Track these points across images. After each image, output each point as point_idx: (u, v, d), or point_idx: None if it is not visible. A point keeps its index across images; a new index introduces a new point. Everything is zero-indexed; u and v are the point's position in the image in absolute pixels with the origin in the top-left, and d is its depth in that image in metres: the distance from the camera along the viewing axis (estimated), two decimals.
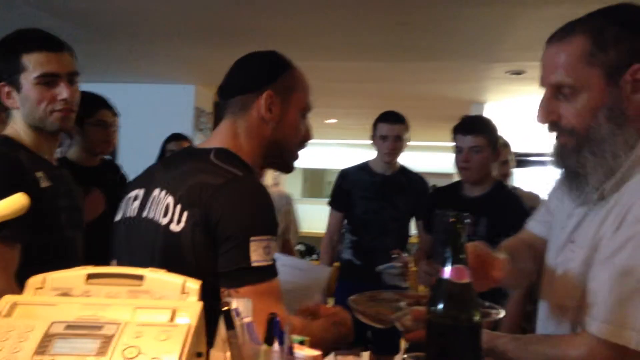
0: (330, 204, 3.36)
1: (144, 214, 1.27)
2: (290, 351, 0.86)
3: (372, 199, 3.12)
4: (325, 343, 1.27)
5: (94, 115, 2.57)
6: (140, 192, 1.32)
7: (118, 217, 1.36)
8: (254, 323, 0.97)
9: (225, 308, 0.92)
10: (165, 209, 1.23)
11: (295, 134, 1.40)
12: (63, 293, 0.98)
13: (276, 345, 0.85)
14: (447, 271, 0.95)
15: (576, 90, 1.17)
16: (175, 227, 1.20)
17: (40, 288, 0.97)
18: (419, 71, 5.13)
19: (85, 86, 2.31)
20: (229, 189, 1.20)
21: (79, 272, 1.00)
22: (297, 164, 2.55)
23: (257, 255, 1.17)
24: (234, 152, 1.32)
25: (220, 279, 1.14)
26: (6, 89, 1.64)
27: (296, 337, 0.93)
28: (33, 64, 1.60)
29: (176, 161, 1.35)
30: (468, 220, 0.96)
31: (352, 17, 3.60)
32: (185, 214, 1.20)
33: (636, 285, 1.07)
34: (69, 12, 3.68)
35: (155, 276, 1.01)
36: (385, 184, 3.15)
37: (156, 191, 1.27)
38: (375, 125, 3.23)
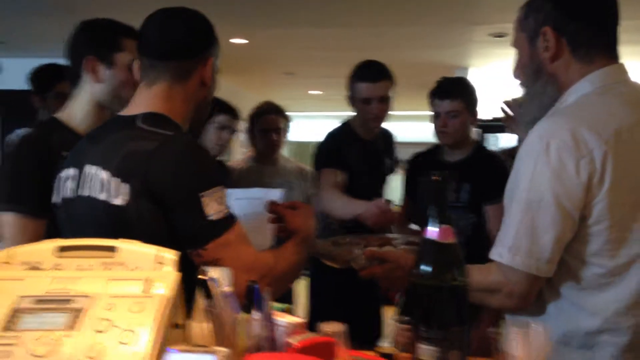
0: (326, 163, 2.50)
1: (80, 192, 1.22)
2: (269, 318, 0.82)
3: (363, 171, 2.55)
4: (300, 264, 1.31)
5: (52, 89, 2.55)
6: (72, 172, 1.26)
7: (55, 200, 1.31)
8: (232, 272, 0.94)
9: (203, 277, 0.89)
10: (101, 184, 1.18)
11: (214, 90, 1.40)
12: (32, 267, 0.93)
13: (256, 313, 0.81)
14: (432, 231, 0.92)
15: (516, 51, 1.36)
16: (117, 201, 1.15)
17: (7, 263, 0.93)
18: (402, 37, 5.06)
19: None
20: (163, 152, 1.15)
21: (49, 245, 0.95)
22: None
23: (211, 208, 1.14)
24: (163, 114, 1.26)
25: (183, 244, 1.10)
26: (94, 62, 1.65)
27: (277, 305, 0.90)
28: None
29: (103, 133, 1.28)
30: (451, 180, 0.93)
31: None
32: (125, 187, 1.15)
33: (528, 217, 1.19)
34: None
35: (128, 247, 0.97)
36: (371, 151, 2.60)
37: (87, 167, 1.21)
38: (352, 84, 2.48)
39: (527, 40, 1.31)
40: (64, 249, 0.95)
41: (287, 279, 1.30)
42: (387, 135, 2.73)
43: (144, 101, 1.29)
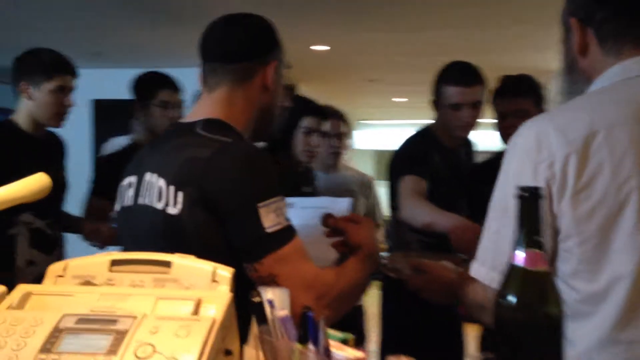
0: (410, 169, 2.23)
1: (140, 201, 1.18)
2: (327, 352, 0.73)
3: (443, 182, 2.30)
4: (364, 283, 1.23)
5: (156, 96, 2.58)
6: (133, 179, 1.23)
7: (117, 207, 1.28)
8: (289, 295, 0.87)
9: (256, 299, 0.80)
10: (158, 193, 1.14)
11: (281, 101, 1.34)
12: (85, 281, 0.89)
13: (311, 346, 0.72)
14: (519, 256, 0.79)
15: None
16: (172, 210, 1.10)
17: (61, 276, 0.89)
18: (496, 39, 4.81)
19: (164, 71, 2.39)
20: (220, 159, 1.10)
21: (103, 259, 0.91)
22: (368, 145, 2.39)
23: (269, 220, 1.07)
24: (224, 121, 1.21)
25: (239, 257, 1.05)
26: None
27: (337, 335, 0.80)
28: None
29: (163, 140, 1.25)
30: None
31: None
32: (180, 195, 1.10)
33: (495, 226, 1.10)
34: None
35: (183, 262, 0.91)
36: (453, 161, 2.37)
37: (147, 175, 1.18)
38: (439, 87, 2.23)
39: (564, 34, 1.20)
40: (116, 262, 0.90)
41: (349, 299, 1.20)
42: (468, 144, 2.53)
43: (205, 107, 1.25)
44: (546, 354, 0.78)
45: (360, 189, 2.91)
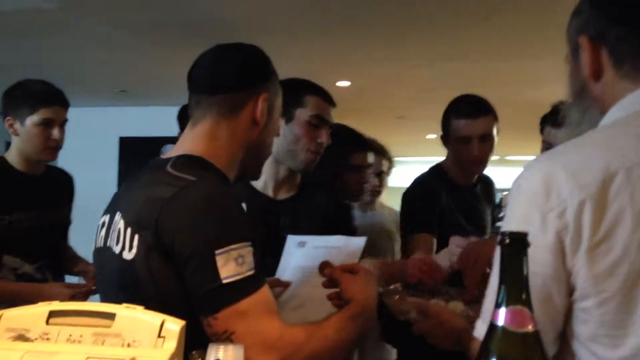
0: (420, 227, 2.13)
1: (108, 243, 1.09)
2: None
3: (458, 224, 2.16)
4: (349, 343, 1.07)
5: None
6: (106, 219, 1.15)
7: (93, 248, 1.20)
8: (247, 350, 0.78)
9: None
10: (117, 235, 1.06)
11: (273, 140, 1.25)
12: (18, 335, 0.80)
13: None
14: (502, 315, 0.67)
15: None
16: (127, 255, 1.02)
17: None
18: (518, 71, 4.68)
19: None
20: (178, 200, 1.00)
21: (40, 309, 0.82)
22: (402, 183, 2.20)
23: (227, 270, 0.95)
24: (198, 156, 1.12)
25: (195, 308, 0.95)
26: None
27: None
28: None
29: (137, 178, 1.16)
30: (528, 244, 0.68)
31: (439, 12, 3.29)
32: (136, 238, 1.01)
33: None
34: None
35: (128, 314, 0.81)
36: (468, 201, 2.24)
37: (116, 216, 1.09)
38: (447, 121, 2.15)
39: (570, 54, 1.04)
40: (55, 314, 0.82)
41: (329, 359, 1.04)
42: (487, 183, 2.34)
43: (185, 142, 1.17)
44: None
45: (398, 228, 2.72)
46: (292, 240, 1.48)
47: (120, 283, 1.04)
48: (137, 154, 5.60)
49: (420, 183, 2.24)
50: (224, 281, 0.95)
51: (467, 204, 2.20)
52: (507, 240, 0.68)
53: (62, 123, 2.10)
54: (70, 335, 0.80)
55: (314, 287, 1.35)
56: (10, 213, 2.02)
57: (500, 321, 0.67)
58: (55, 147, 2.09)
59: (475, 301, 1.49)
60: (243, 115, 1.16)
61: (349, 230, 1.78)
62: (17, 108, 2.04)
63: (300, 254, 1.45)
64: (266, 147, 1.24)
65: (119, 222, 1.06)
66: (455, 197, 2.18)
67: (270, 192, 1.71)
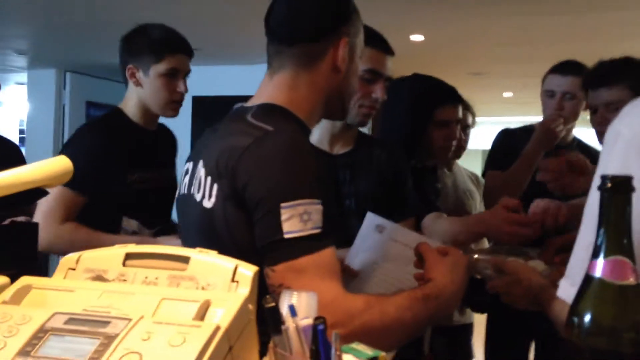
0: (490, 165, 2.36)
1: (191, 190, 1.09)
2: None
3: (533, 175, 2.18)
4: (408, 326, 0.99)
5: None
6: (190, 166, 1.15)
7: (177, 195, 1.20)
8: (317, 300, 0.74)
9: (269, 304, 0.68)
10: (199, 184, 1.05)
11: (357, 81, 1.19)
12: (96, 276, 0.81)
13: None
14: (600, 265, 0.62)
15: None
16: (207, 203, 1.01)
17: (73, 269, 0.82)
18: (608, 25, 4.37)
19: None
20: (254, 150, 0.98)
21: (117, 251, 0.83)
22: (477, 145, 2.09)
23: (290, 225, 0.93)
24: (280, 106, 1.09)
25: (258, 256, 0.93)
26: None
27: (366, 351, 0.66)
28: None
29: (219, 126, 1.15)
30: (633, 188, 0.61)
31: None
32: (215, 187, 1.00)
33: (589, 238, 0.82)
34: None
35: (202, 259, 0.81)
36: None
37: (199, 163, 1.08)
38: (543, 78, 2.32)
39: None
40: (131, 256, 0.82)
41: (383, 337, 0.95)
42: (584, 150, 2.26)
43: (265, 91, 1.15)
44: None
45: (478, 188, 2.63)
46: (370, 220, 1.39)
47: (199, 230, 1.04)
48: (210, 114, 5.69)
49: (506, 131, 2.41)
50: (286, 236, 0.94)
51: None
52: (609, 184, 0.62)
53: (187, 74, 1.92)
54: (146, 277, 0.80)
55: (378, 286, 1.31)
56: (130, 172, 1.86)
57: (598, 272, 0.61)
58: (180, 100, 1.91)
59: (559, 263, 1.41)
60: (324, 64, 1.12)
61: (411, 194, 1.70)
62: (140, 55, 1.85)
63: (375, 241, 1.37)
64: (350, 88, 1.19)
65: (201, 171, 1.06)
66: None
67: (326, 147, 1.65)
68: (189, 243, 1.11)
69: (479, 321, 2.52)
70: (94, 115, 6.39)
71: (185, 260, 0.81)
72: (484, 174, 2.36)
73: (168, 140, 2.13)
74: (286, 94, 1.11)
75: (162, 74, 1.85)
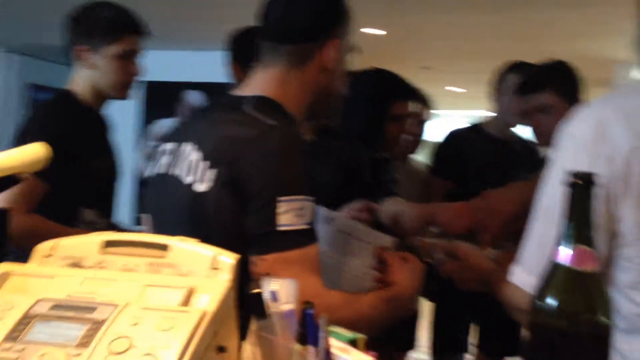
0: (435, 170, 2.58)
1: (171, 171, 1.11)
2: (328, 355, 0.62)
3: (488, 171, 2.39)
4: (374, 324, 1.09)
5: None
6: (171, 146, 1.16)
7: (147, 173, 1.21)
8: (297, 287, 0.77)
9: (255, 290, 0.71)
10: (188, 166, 1.07)
11: (344, 78, 1.24)
12: (74, 263, 0.81)
13: (310, 347, 0.62)
14: (564, 253, 0.67)
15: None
16: (200, 187, 1.03)
17: (49, 256, 0.82)
18: (558, 24, 4.54)
19: None
20: (261, 142, 1.03)
21: (95, 239, 0.83)
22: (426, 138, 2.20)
23: (285, 218, 0.98)
24: (276, 101, 1.14)
25: (247, 244, 0.98)
26: None
27: (346, 334, 0.70)
28: None
29: (210, 111, 1.21)
30: (594, 184, 0.67)
31: None
32: (211, 172, 1.03)
33: (541, 228, 0.99)
34: None
35: (182, 246, 0.82)
36: (504, 152, 2.46)
37: (184, 145, 1.11)
38: (502, 76, 2.47)
39: None
40: (110, 243, 0.82)
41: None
42: (534, 153, 2.42)
43: (258, 83, 1.19)
44: None
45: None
46: (320, 214, 1.41)
47: (184, 212, 1.07)
48: (158, 99, 5.60)
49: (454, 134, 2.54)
50: (280, 228, 0.98)
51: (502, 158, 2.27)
52: (576, 180, 0.67)
53: (139, 54, 1.87)
54: (125, 265, 0.81)
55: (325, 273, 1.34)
56: (87, 158, 1.80)
57: (564, 260, 0.67)
58: (132, 82, 1.86)
59: (501, 246, 1.50)
60: (314, 63, 1.16)
61: (369, 185, 1.75)
62: (92, 36, 1.77)
63: (324, 232, 1.39)
64: (336, 89, 1.24)
65: (191, 154, 1.08)
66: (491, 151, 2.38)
67: None
68: (166, 223, 1.13)
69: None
70: (35, 97, 6.16)
71: (164, 247, 0.82)
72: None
73: (107, 124, 2.06)
74: (278, 88, 1.16)
75: (117, 55, 1.79)
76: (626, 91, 0.98)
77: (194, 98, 5.82)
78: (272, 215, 0.98)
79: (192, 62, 5.57)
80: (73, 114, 1.82)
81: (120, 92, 1.86)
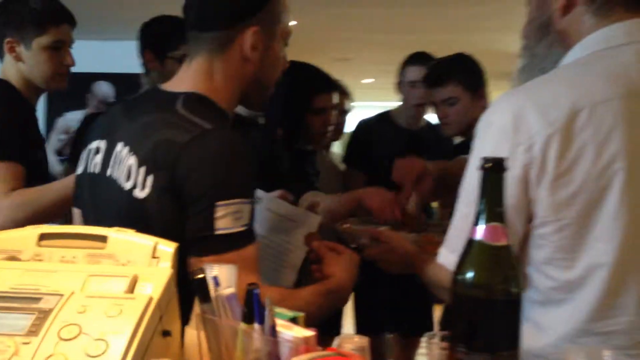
0: (347, 161, 2.66)
1: (108, 172, 1.10)
2: (273, 331, 0.67)
3: (394, 157, 2.58)
4: (311, 317, 1.09)
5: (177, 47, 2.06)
6: (102, 145, 1.15)
7: (80, 170, 1.20)
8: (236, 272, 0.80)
9: (199, 276, 0.74)
10: (128, 171, 1.07)
11: (277, 69, 1.22)
12: (10, 256, 0.81)
13: (256, 325, 0.66)
14: (480, 230, 0.75)
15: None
16: (140, 193, 1.04)
17: None
18: (465, 18, 4.76)
19: None
20: (195, 146, 1.03)
21: (30, 232, 0.84)
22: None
23: (223, 222, 1.00)
24: (207, 97, 1.13)
25: (185, 246, 0.98)
26: None
27: (287, 313, 0.75)
28: None
29: (139, 109, 1.16)
30: (506, 168, 0.75)
31: None
32: (150, 178, 1.04)
33: (465, 210, 1.05)
34: None
35: (121, 237, 0.84)
36: (412, 141, 2.58)
37: (119, 146, 1.10)
38: (402, 68, 2.60)
39: None
40: (45, 236, 0.83)
41: None
42: (445, 141, 2.50)
43: (185, 79, 1.16)
44: (503, 332, 0.74)
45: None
46: None
47: (123, 217, 1.03)
48: (66, 90, 5.36)
49: (364, 123, 2.66)
50: (217, 232, 0.99)
51: (410, 146, 2.39)
52: (489, 165, 0.75)
53: (70, 44, 1.80)
54: (63, 257, 0.82)
55: (269, 256, 1.37)
56: (34, 146, 1.74)
57: (478, 236, 0.75)
58: (66, 72, 1.80)
59: (420, 230, 1.60)
60: (234, 52, 1.15)
61: (285, 176, 1.78)
62: (21, 27, 1.72)
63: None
64: (268, 79, 1.22)
65: (128, 157, 1.06)
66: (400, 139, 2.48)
67: None
68: (103, 221, 1.11)
69: None
70: None
71: (102, 239, 0.84)
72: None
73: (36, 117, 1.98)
74: (205, 82, 1.14)
75: (47, 46, 1.73)
76: (539, 82, 1.04)
77: (104, 89, 5.64)
78: (210, 220, 1.00)
79: (101, 53, 5.38)
80: (20, 101, 1.74)
81: (53, 82, 1.79)
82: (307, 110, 2.01)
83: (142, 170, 1.04)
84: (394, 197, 1.62)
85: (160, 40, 2.03)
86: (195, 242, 1.00)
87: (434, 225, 1.73)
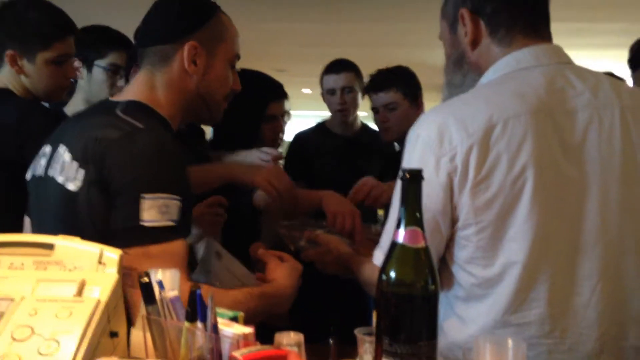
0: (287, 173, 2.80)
1: (50, 172, 1.14)
2: (215, 329, 0.74)
3: (334, 165, 2.58)
4: (250, 319, 1.03)
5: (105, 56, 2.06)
6: (48, 149, 1.19)
7: (28, 176, 1.23)
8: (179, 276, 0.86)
9: (144, 280, 0.80)
10: (61, 167, 1.11)
11: (223, 86, 1.27)
12: None
13: (199, 324, 0.72)
14: (401, 234, 0.84)
15: (442, 42, 1.25)
16: (71, 186, 1.08)
17: None
18: (399, 33, 4.95)
19: None
20: (124, 143, 1.07)
21: None
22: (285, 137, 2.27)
23: (149, 214, 1.03)
24: (147, 105, 1.19)
25: (112, 239, 0.99)
26: None
27: (227, 313, 0.81)
28: None
29: (86, 115, 1.22)
30: (422, 177, 0.84)
31: None
32: (81, 172, 1.08)
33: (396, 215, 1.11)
34: None
35: (67, 244, 0.88)
36: (349, 146, 2.63)
37: (61, 148, 1.14)
38: (321, 78, 2.65)
39: (448, 28, 1.21)
40: None
41: None
42: (371, 134, 2.62)
43: (131, 89, 1.22)
44: (423, 325, 0.82)
45: None
46: (210, 247, 1.41)
47: (58, 211, 1.08)
48: None
49: (299, 135, 2.71)
50: (142, 223, 1.02)
51: (345, 152, 2.53)
52: (407, 175, 0.84)
53: (73, 55, 1.75)
54: (12, 264, 0.85)
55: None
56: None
57: (400, 239, 0.83)
58: (69, 85, 1.76)
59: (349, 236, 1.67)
60: (174, 65, 1.20)
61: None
62: (23, 41, 1.65)
63: (215, 267, 1.36)
64: (212, 94, 1.25)
65: (64, 155, 1.10)
66: (335, 146, 2.56)
67: None
68: (45, 223, 1.14)
69: None
70: None
71: (49, 247, 0.88)
72: None
73: None
74: (147, 92, 1.20)
75: (51, 61, 1.68)
76: (459, 100, 1.15)
77: None
78: (135, 211, 1.01)
79: None
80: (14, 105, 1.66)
81: (54, 96, 1.76)
82: (263, 117, 2.03)
83: (75, 164, 1.08)
84: (350, 209, 1.63)
85: (87, 49, 1.99)
86: (121, 233, 1.03)
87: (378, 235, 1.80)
